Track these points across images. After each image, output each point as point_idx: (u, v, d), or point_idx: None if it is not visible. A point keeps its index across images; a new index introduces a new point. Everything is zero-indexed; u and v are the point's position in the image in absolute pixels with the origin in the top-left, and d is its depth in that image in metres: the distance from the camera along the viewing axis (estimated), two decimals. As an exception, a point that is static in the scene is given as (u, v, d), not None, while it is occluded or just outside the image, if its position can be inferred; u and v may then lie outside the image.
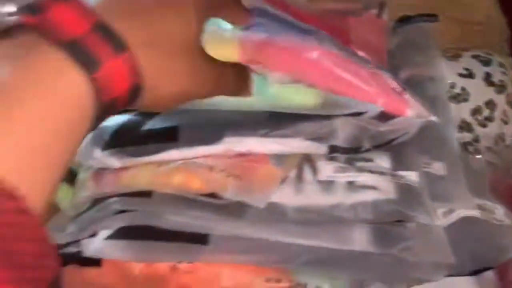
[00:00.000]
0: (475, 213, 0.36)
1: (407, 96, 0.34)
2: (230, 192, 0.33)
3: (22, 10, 0.19)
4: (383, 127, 0.33)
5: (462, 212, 0.36)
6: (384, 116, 0.33)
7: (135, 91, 0.21)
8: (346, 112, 0.33)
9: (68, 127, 0.19)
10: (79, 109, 0.19)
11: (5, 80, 0.18)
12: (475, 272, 0.36)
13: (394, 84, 0.34)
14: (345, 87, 0.33)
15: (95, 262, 0.36)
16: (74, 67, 0.19)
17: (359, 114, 0.33)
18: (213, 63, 0.27)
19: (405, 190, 0.34)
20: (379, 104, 0.32)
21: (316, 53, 0.33)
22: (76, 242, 0.36)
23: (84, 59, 0.19)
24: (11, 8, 0.19)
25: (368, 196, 0.33)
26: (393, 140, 0.35)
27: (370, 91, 0.33)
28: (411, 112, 0.33)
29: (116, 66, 0.20)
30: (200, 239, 0.34)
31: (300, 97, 0.34)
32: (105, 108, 0.20)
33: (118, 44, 0.20)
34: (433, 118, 0.34)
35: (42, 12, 0.19)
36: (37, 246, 0.17)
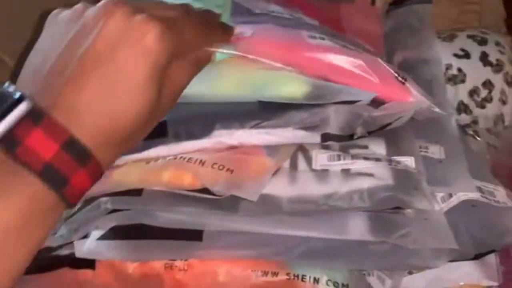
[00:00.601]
0: (475, 195, 0.35)
1: (408, 84, 0.33)
2: (221, 186, 0.32)
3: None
4: (377, 112, 0.33)
5: (462, 195, 0.35)
6: (377, 101, 0.32)
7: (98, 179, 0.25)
8: (338, 100, 0.32)
9: (36, 223, 0.22)
10: (46, 211, 0.22)
11: None
12: (477, 256, 0.35)
13: (394, 72, 0.33)
14: (342, 77, 0.32)
15: (88, 263, 0.36)
16: (45, 188, 0.22)
17: (352, 102, 0.32)
18: (173, 81, 0.27)
19: (402, 176, 0.33)
20: (379, 93, 0.31)
21: (307, 43, 0.32)
22: (68, 244, 0.36)
23: (53, 181, 0.22)
24: None
25: (364, 183, 0.32)
26: (387, 125, 0.34)
27: (369, 80, 0.32)
28: (412, 101, 0.33)
29: (82, 177, 0.23)
30: (194, 235, 0.33)
31: (289, 87, 0.33)
32: (73, 203, 0.24)
33: (82, 156, 0.23)
34: (436, 109, 0.33)
35: (17, 146, 0.22)
36: None
